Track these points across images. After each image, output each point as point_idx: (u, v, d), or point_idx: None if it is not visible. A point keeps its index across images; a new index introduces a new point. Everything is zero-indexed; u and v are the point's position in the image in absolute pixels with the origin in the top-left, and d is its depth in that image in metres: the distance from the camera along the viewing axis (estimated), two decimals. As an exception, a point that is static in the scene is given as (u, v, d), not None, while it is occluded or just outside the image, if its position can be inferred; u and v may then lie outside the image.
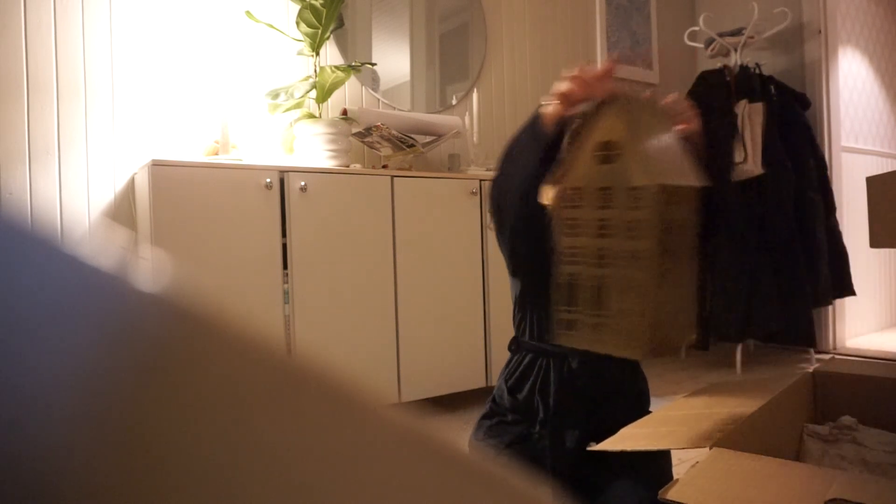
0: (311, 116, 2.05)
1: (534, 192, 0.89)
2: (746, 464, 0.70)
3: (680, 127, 0.87)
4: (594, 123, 0.77)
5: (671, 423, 0.94)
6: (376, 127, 2.06)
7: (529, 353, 1.11)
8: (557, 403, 1.05)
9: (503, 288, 1.95)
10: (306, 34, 2.02)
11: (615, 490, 0.97)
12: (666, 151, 0.77)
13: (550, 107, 0.86)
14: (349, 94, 2.35)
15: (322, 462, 0.13)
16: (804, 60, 3.12)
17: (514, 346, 1.14)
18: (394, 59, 2.51)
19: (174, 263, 1.60)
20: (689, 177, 0.77)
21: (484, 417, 1.17)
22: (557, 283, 0.78)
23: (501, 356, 1.22)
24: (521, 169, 0.91)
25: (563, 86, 0.85)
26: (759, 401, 0.95)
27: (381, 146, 2.16)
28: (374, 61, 2.41)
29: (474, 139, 2.41)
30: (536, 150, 0.88)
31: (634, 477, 0.97)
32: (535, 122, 0.89)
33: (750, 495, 0.63)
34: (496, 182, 0.97)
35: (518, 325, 1.13)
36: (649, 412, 1.15)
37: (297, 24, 2.01)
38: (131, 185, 1.89)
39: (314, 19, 1.99)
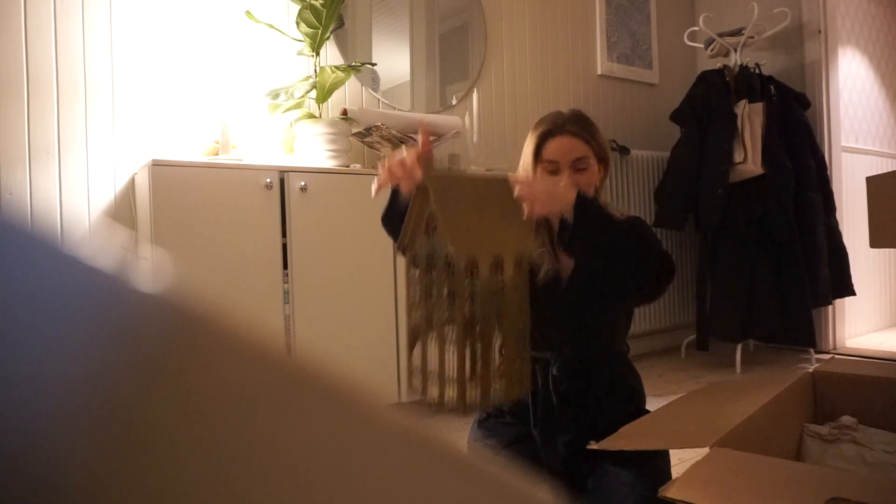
0: (311, 116, 2.05)
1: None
2: (746, 463, 0.70)
3: (526, 210, 0.89)
4: (420, 198, 0.86)
5: (671, 423, 0.94)
6: (376, 127, 2.06)
7: None
8: (545, 408, 1.09)
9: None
10: (306, 34, 2.02)
11: (614, 489, 0.97)
12: (484, 223, 0.84)
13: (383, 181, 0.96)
14: (349, 94, 2.35)
15: (322, 462, 0.13)
16: (804, 60, 3.12)
17: None
18: (394, 59, 2.51)
19: (174, 263, 1.60)
20: (507, 245, 0.82)
21: (481, 418, 1.19)
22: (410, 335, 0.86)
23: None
24: (391, 233, 1.01)
25: (386, 168, 0.93)
26: (759, 401, 0.95)
27: (381, 146, 2.16)
28: (374, 61, 2.41)
29: (474, 139, 2.41)
30: (394, 218, 0.98)
31: (632, 475, 0.97)
32: (393, 193, 0.99)
33: (750, 495, 0.63)
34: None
35: None
36: (646, 410, 1.16)
37: (297, 24, 2.01)
38: (131, 185, 1.89)
39: (314, 19, 1.99)
